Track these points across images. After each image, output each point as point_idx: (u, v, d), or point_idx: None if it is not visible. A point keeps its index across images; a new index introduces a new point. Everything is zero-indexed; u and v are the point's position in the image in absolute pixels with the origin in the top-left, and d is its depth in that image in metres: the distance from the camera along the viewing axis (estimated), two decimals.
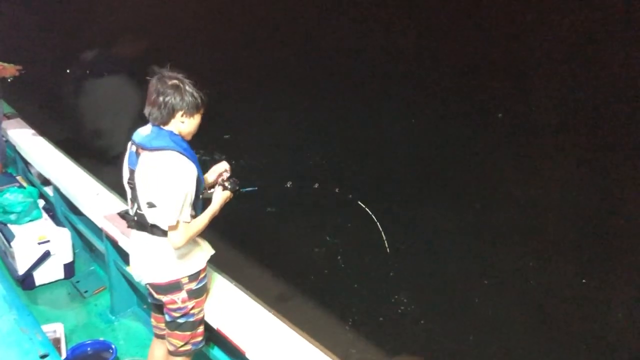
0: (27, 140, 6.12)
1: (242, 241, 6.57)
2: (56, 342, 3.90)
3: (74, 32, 16.44)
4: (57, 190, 5.30)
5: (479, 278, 6.04)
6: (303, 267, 6.32)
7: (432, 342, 5.16)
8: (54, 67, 13.29)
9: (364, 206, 3.53)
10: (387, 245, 3.54)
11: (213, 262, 3.42)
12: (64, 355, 3.77)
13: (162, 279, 2.93)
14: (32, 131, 6.42)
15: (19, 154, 6.20)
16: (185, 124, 2.82)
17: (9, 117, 6.82)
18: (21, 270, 4.71)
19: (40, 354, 2.28)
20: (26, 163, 6.11)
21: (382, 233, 3.52)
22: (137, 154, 2.82)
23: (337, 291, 5.89)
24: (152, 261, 2.94)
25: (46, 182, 5.62)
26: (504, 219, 7.25)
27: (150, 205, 2.79)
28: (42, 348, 2.32)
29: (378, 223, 3.47)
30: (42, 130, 6.49)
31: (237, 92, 12.61)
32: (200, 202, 2.90)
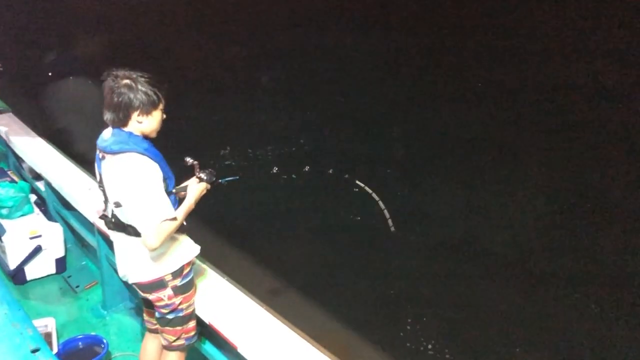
0: (19, 135, 6.08)
1: (233, 235, 6.57)
2: (47, 336, 3.89)
3: (65, 28, 16.43)
4: (48, 185, 5.28)
5: None
6: (296, 261, 6.32)
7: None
8: (44, 63, 13.27)
9: (363, 185, 3.49)
10: (390, 224, 3.49)
11: (205, 256, 3.42)
12: (55, 349, 3.77)
13: (145, 277, 2.93)
14: (24, 126, 6.38)
15: (10, 148, 6.16)
16: (144, 123, 2.76)
17: (0, 112, 6.78)
18: (12, 265, 4.69)
19: (32, 349, 2.28)
20: (18, 158, 6.08)
21: (385, 212, 3.47)
22: (102, 158, 2.81)
23: (330, 286, 5.89)
24: (133, 261, 2.93)
25: (38, 177, 5.59)
26: None
27: (117, 204, 2.79)
28: (33, 343, 2.32)
29: (381, 204, 3.43)
30: (34, 125, 6.45)
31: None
32: (173, 199, 2.86)
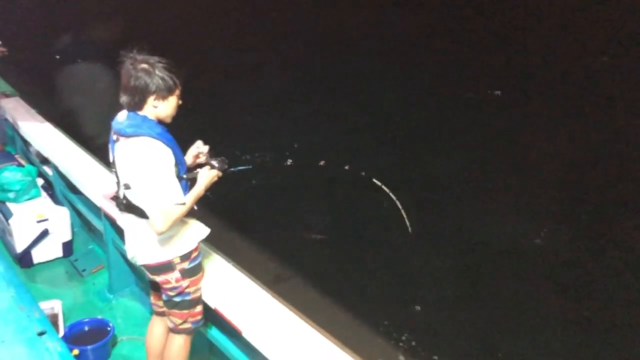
0: (26, 119, 6.10)
1: (241, 221, 6.58)
2: (54, 317, 3.92)
3: (72, 11, 16.41)
4: (55, 169, 5.30)
5: None
6: (301, 248, 6.33)
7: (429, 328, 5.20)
8: (51, 47, 13.27)
9: (380, 184, 3.45)
10: (408, 225, 3.45)
11: (211, 242, 3.43)
12: (61, 332, 3.79)
13: (153, 260, 2.95)
14: (31, 110, 6.39)
15: (17, 132, 6.18)
16: (160, 108, 2.79)
17: (7, 96, 6.79)
18: (19, 248, 4.72)
19: (38, 332, 2.29)
20: (25, 142, 6.10)
21: (403, 212, 3.43)
22: (116, 140, 2.84)
23: (335, 273, 5.90)
24: (142, 243, 2.95)
25: (45, 160, 5.61)
26: None
27: (127, 187, 2.82)
28: (40, 325, 2.33)
29: (398, 202, 3.39)
30: (41, 108, 6.46)
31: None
32: (184, 184, 2.88)
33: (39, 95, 8.56)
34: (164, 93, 2.76)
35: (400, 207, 3.45)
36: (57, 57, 12.45)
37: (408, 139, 9.32)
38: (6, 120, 6.37)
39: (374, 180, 3.50)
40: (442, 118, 10.18)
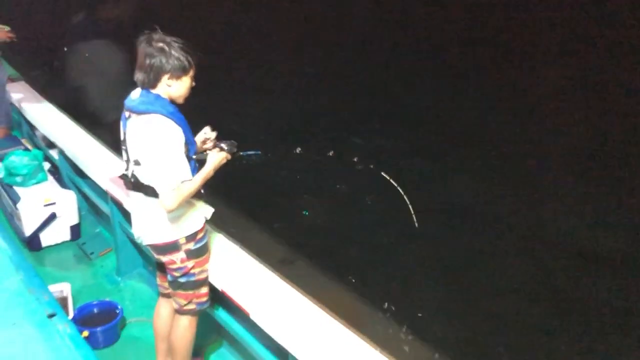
0: (32, 103, 6.10)
1: (248, 204, 6.59)
2: (63, 301, 3.95)
3: None
4: (62, 153, 5.31)
5: None
6: (309, 231, 6.33)
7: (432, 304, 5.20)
8: (57, 30, 13.20)
9: (388, 177, 3.44)
10: (415, 219, 3.43)
11: (218, 224, 3.43)
12: (71, 314, 3.83)
13: (159, 239, 2.97)
14: (37, 94, 6.38)
15: (23, 117, 6.18)
16: (173, 87, 2.82)
17: (13, 80, 6.78)
18: (27, 231, 4.75)
19: (48, 314, 2.31)
20: (31, 126, 6.10)
21: (409, 205, 3.41)
22: (128, 117, 2.86)
23: (343, 256, 5.91)
24: (149, 222, 2.98)
25: (51, 145, 5.62)
26: None
27: (137, 163, 2.85)
28: (50, 308, 2.35)
29: (404, 195, 3.37)
30: (47, 93, 6.45)
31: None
32: (193, 164, 2.90)
33: (44, 79, 8.56)
34: (178, 73, 2.79)
35: (407, 201, 3.43)
36: (63, 42, 12.42)
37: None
38: (12, 104, 6.38)
39: (383, 174, 3.48)
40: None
